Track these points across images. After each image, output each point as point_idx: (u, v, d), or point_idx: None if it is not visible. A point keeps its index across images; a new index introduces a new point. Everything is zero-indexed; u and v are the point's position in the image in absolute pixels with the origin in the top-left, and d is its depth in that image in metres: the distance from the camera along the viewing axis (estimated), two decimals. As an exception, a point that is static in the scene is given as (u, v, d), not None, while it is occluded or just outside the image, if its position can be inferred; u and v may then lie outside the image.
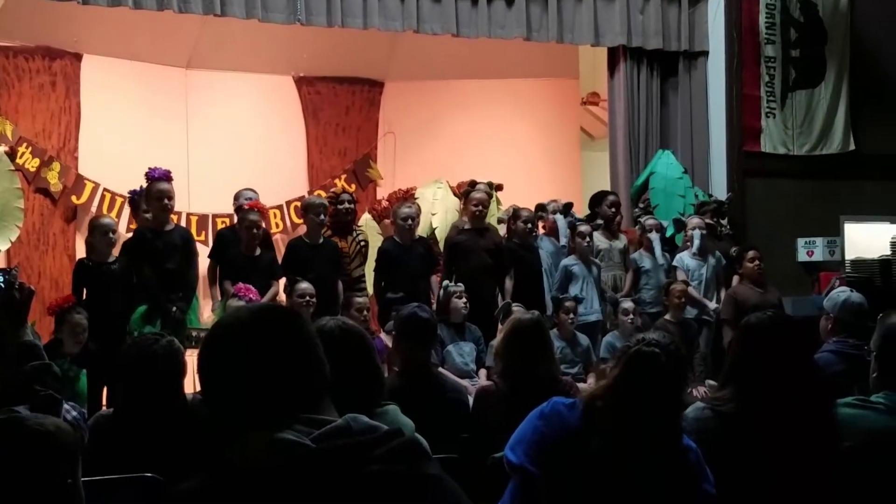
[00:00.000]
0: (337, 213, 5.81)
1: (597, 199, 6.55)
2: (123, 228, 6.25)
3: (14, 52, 6.74)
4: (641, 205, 7.04)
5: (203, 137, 7.45)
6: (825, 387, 2.24)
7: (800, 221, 7.33)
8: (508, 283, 5.78)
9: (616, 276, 6.22)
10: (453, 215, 7.11)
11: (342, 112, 8.11)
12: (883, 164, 7.45)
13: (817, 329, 3.51)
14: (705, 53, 7.43)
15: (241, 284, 5.12)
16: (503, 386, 3.18)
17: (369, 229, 6.70)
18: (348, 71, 8.05)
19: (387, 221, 6.67)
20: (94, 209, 6.84)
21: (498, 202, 7.03)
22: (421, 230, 6.15)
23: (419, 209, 6.09)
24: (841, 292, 3.58)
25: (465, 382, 4.65)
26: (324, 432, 1.20)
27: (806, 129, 7.50)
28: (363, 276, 5.90)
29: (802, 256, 7.33)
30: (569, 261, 5.93)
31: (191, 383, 3.01)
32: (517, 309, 4.66)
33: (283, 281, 5.59)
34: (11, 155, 6.55)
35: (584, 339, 5.45)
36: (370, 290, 5.92)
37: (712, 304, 6.11)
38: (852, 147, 7.56)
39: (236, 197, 6.00)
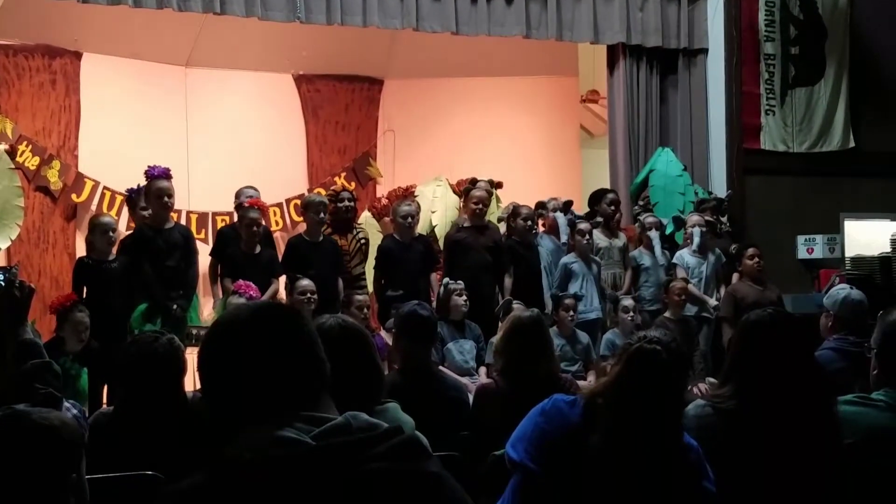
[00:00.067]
0: (337, 211, 5.81)
1: (596, 197, 6.55)
2: (123, 227, 6.25)
3: (14, 51, 6.74)
4: (641, 202, 7.04)
5: (203, 135, 7.45)
6: (826, 384, 2.24)
7: (800, 219, 7.33)
8: (508, 281, 5.79)
9: (616, 275, 6.22)
10: (453, 213, 7.11)
11: (342, 110, 8.11)
12: (883, 161, 7.45)
13: (817, 326, 3.51)
14: (705, 51, 7.43)
15: (241, 281, 5.13)
16: (503, 384, 3.18)
17: (369, 227, 6.70)
18: (348, 69, 8.05)
19: (386, 219, 6.68)
20: (93, 207, 6.84)
21: (497, 200, 7.02)
22: (421, 228, 6.16)
23: (419, 207, 6.09)
24: (840, 289, 3.58)
25: (465, 380, 4.65)
26: (324, 430, 1.20)
27: (805, 126, 7.49)
28: (363, 273, 5.90)
29: (802, 254, 7.33)
30: (568, 259, 5.93)
31: (191, 381, 3.01)
32: (517, 306, 4.66)
33: (283, 279, 5.59)
34: (11, 153, 6.55)
35: (584, 336, 5.46)
36: (370, 287, 5.93)
37: (712, 301, 6.11)
38: (852, 144, 7.56)
39: (237, 195, 6.00)
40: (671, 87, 7.47)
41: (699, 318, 6.02)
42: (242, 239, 5.46)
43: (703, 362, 5.67)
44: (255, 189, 6.02)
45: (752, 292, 5.90)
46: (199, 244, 5.76)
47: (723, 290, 6.18)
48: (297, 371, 1.27)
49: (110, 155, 6.93)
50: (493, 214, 6.60)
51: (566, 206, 6.48)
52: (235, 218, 5.86)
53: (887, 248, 7.32)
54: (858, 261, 7.37)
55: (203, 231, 7.10)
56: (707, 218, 6.47)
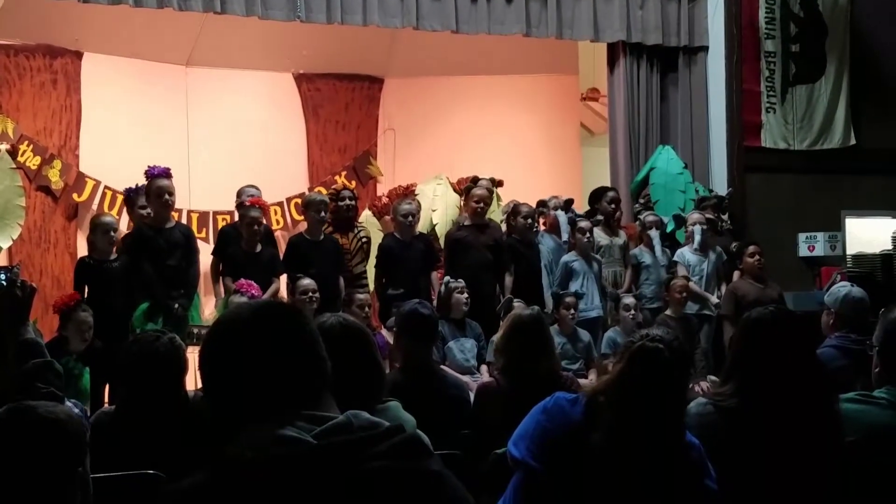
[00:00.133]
0: (338, 210, 5.81)
1: (596, 196, 6.55)
2: (124, 227, 6.25)
3: (15, 51, 6.74)
4: (642, 200, 7.04)
5: (203, 135, 7.46)
6: (827, 382, 2.23)
7: (801, 216, 7.33)
8: (508, 280, 5.79)
9: (616, 273, 6.22)
10: (453, 211, 7.11)
11: (342, 109, 8.11)
12: (884, 158, 7.44)
13: (819, 324, 3.51)
14: (705, 49, 7.42)
15: (242, 280, 5.13)
16: (504, 382, 3.18)
17: (369, 226, 6.70)
18: (348, 68, 8.05)
19: (387, 218, 6.67)
20: (94, 207, 6.85)
21: (498, 198, 7.02)
22: (421, 226, 6.15)
23: (419, 206, 6.09)
24: (841, 287, 3.58)
25: (466, 378, 4.65)
26: (325, 429, 1.20)
27: (806, 123, 7.49)
28: (364, 272, 5.90)
29: (803, 251, 7.33)
30: (569, 257, 5.93)
31: (192, 380, 3.01)
32: (518, 305, 4.66)
33: (284, 277, 5.59)
34: (13, 153, 6.56)
35: (584, 334, 5.46)
36: (372, 286, 5.93)
37: (714, 299, 6.11)
38: (853, 142, 7.56)
39: (238, 194, 6.01)
40: (671, 85, 7.47)
41: (700, 316, 6.02)
42: (243, 238, 5.46)
43: (704, 360, 5.68)
44: (256, 188, 6.02)
45: (754, 290, 5.90)
46: (199, 243, 5.76)
47: (724, 289, 6.17)
48: (298, 370, 1.27)
49: (111, 154, 6.93)
50: (494, 213, 6.60)
51: (567, 205, 6.48)
52: (236, 217, 5.86)
53: (888, 246, 7.32)
54: (860, 258, 7.36)
55: (204, 230, 7.10)
56: (708, 216, 6.47)
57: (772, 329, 2.20)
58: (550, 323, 4.87)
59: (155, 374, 2.71)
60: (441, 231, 6.82)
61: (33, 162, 6.69)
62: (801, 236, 7.33)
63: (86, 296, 4.99)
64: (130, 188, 5.81)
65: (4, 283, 2.28)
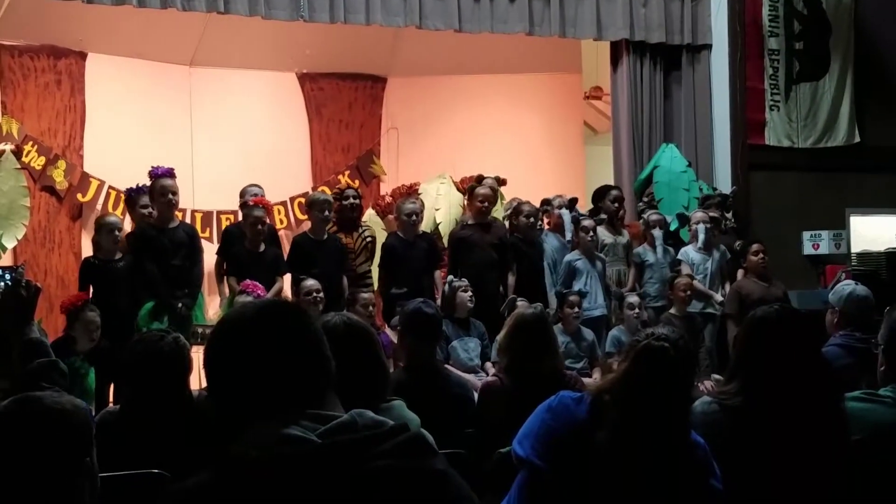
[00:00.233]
0: (342, 209, 5.81)
1: (600, 194, 6.54)
2: (129, 227, 6.26)
3: (19, 51, 6.76)
4: (645, 199, 7.03)
5: (207, 134, 7.47)
6: (832, 380, 2.23)
7: (805, 214, 7.31)
8: (511, 279, 5.78)
9: (620, 271, 6.21)
10: (457, 210, 7.11)
11: (345, 108, 8.12)
12: (888, 156, 7.42)
13: (823, 323, 3.50)
14: (708, 47, 7.41)
15: (248, 281, 5.13)
16: (507, 381, 3.18)
17: (373, 225, 6.70)
18: (351, 67, 8.06)
19: (390, 217, 6.67)
20: (99, 207, 6.87)
21: (501, 197, 7.02)
22: (424, 226, 6.15)
23: (423, 205, 6.09)
24: (846, 286, 3.57)
25: (470, 377, 4.65)
26: (329, 428, 1.20)
27: (810, 121, 7.48)
28: (369, 272, 5.90)
29: (808, 250, 7.31)
30: (572, 256, 5.92)
31: (196, 380, 3.02)
32: (522, 304, 4.66)
33: (288, 277, 5.60)
34: (17, 153, 6.57)
35: (588, 333, 5.45)
36: (376, 285, 5.92)
37: (718, 297, 6.10)
38: (857, 139, 7.54)
39: (242, 193, 6.01)
40: (675, 83, 7.45)
41: (704, 314, 6.01)
42: (247, 237, 5.46)
43: (708, 359, 5.67)
44: (260, 187, 6.03)
45: (758, 289, 5.89)
46: (203, 243, 5.77)
47: (728, 287, 6.16)
48: (302, 369, 1.27)
49: (115, 154, 6.95)
50: (497, 211, 6.60)
51: (571, 204, 6.47)
52: (240, 216, 5.86)
53: (893, 244, 7.29)
54: (864, 256, 7.34)
55: (208, 230, 7.12)
56: (712, 214, 6.46)
57: (776, 327, 2.20)
58: (554, 322, 4.87)
59: (159, 374, 2.72)
60: (444, 230, 6.82)
61: (38, 162, 6.71)
62: (806, 234, 7.31)
63: (90, 296, 5.00)
64: (131, 188, 5.82)
65: (9, 282, 2.29)
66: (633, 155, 7.24)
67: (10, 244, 6.43)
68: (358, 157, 8.10)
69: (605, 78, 7.95)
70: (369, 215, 7.13)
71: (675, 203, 6.91)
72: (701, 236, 6.16)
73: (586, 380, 4.09)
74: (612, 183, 7.00)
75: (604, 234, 6.21)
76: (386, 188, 7.92)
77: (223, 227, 6.57)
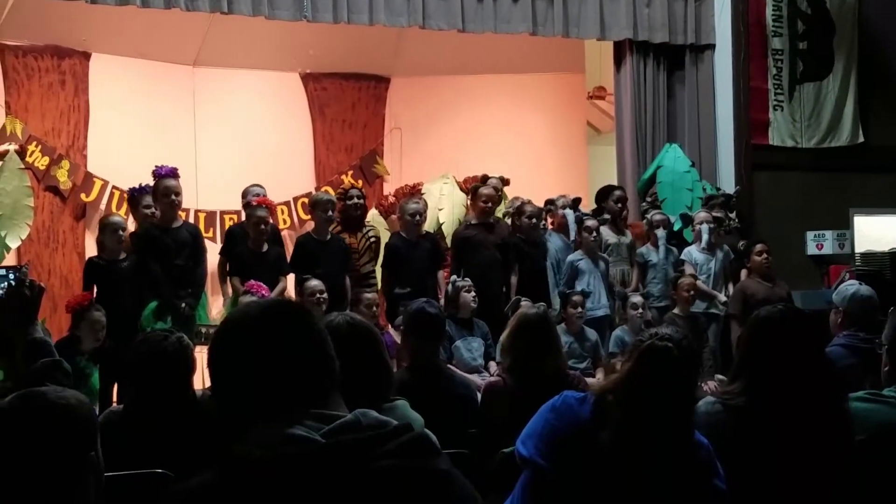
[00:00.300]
0: (346, 209, 5.81)
1: (603, 194, 6.53)
2: (132, 227, 6.27)
3: (23, 52, 6.77)
4: (649, 199, 7.03)
5: (210, 134, 7.48)
6: (836, 381, 2.23)
7: (809, 215, 7.30)
8: (513, 279, 5.78)
9: (624, 271, 6.21)
10: (460, 210, 7.11)
11: (348, 108, 8.12)
12: (892, 156, 7.41)
13: (827, 323, 3.50)
14: (712, 46, 7.40)
15: (252, 281, 5.13)
16: (510, 381, 3.18)
17: (376, 225, 6.71)
18: (354, 67, 8.06)
19: (394, 217, 6.68)
20: (103, 207, 6.88)
21: (504, 197, 7.02)
22: (428, 225, 6.15)
23: (426, 205, 6.09)
24: (849, 286, 3.56)
25: (473, 377, 4.65)
26: (333, 427, 1.20)
27: (814, 121, 7.46)
28: (373, 272, 5.90)
29: (812, 250, 7.30)
30: (575, 256, 5.92)
31: (200, 380, 3.02)
32: (525, 304, 4.65)
33: (291, 277, 5.60)
34: (21, 153, 6.58)
35: (592, 333, 5.45)
36: (380, 285, 5.93)
37: (722, 297, 6.09)
38: (861, 139, 7.52)
39: (244, 194, 6.02)
40: (678, 83, 7.45)
41: (708, 314, 6.01)
42: (250, 237, 5.47)
43: (711, 359, 5.66)
44: (263, 187, 6.03)
45: (761, 289, 5.89)
46: (207, 243, 5.78)
47: (731, 287, 6.16)
48: (306, 368, 1.27)
49: (119, 154, 6.96)
50: (499, 210, 6.60)
51: (575, 204, 6.47)
52: (243, 216, 5.87)
53: (897, 244, 7.29)
54: (868, 256, 7.33)
55: (211, 230, 7.12)
56: (715, 214, 6.46)
57: (780, 328, 2.20)
58: (557, 322, 4.87)
59: (163, 374, 2.72)
60: (447, 230, 6.82)
61: (42, 162, 6.72)
62: (810, 234, 7.30)
63: (94, 296, 5.01)
64: (134, 188, 5.83)
65: (13, 282, 2.29)
66: (637, 155, 7.23)
67: (14, 244, 6.44)
68: (361, 157, 8.11)
69: (608, 78, 7.95)
70: (373, 215, 7.13)
71: (678, 203, 6.90)
72: (704, 236, 6.16)
73: (590, 380, 4.08)
74: (615, 183, 7.00)
75: (607, 234, 6.21)
76: (389, 188, 7.93)
77: (226, 227, 6.58)
